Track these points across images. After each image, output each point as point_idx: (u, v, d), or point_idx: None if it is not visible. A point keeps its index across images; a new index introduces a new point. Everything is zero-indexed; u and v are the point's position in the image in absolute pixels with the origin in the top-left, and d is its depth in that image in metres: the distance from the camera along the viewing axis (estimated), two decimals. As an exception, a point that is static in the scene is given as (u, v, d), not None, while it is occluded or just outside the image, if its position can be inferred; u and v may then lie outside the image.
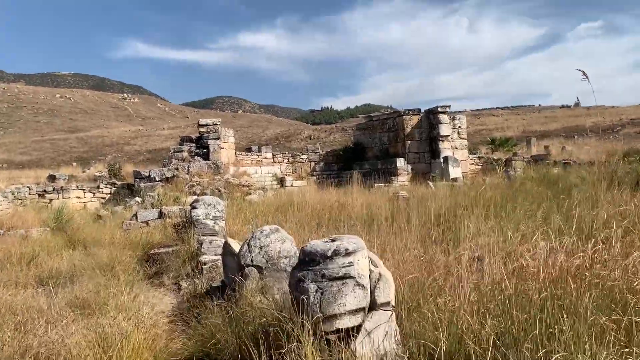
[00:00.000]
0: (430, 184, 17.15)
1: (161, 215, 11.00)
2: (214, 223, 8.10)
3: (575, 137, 51.20)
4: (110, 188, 19.45)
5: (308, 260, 2.81)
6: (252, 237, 4.64)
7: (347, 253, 2.74)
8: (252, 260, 4.46)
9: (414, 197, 14.11)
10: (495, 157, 22.89)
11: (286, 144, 60.61)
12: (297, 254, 4.57)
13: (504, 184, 13.69)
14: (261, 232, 4.65)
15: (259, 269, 4.43)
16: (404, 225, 6.89)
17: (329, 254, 2.73)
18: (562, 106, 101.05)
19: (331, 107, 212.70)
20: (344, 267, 2.72)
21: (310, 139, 64.06)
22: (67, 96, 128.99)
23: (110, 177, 21.03)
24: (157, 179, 17.50)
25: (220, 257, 7.02)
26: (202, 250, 7.14)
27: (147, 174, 17.89)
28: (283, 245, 4.52)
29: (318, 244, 2.84)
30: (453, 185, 16.47)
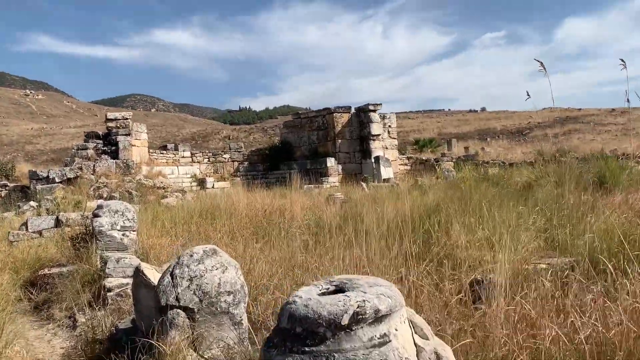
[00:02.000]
0: (364, 185, 16.21)
1: (58, 223, 9.13)
2: (123, 235, 6.50)
3: (488, 139, 53.11)
4: (1, 191, 16.82)
5: (301, 333, 1.48)
6: (178, 263, 3.23)
7: (378, 318, 1.46)
8: (178, 299, 3.05)
9: (351, 200, 13.07)
10: (424, 158, 22.44)
11: (203, 143, 58.16)
12: (245, 290, 3.21)
13: (444, 185, 12.97)
14: (191, 256, 3.25)
15: (189, 311, 3.03)
16: (365, 234, 5.71)
17: (345, 320, 1.42)
18: (470, 110, 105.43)
19: (249, 107, 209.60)
20: (374, 346, 1.43)
21: (229, 139, 62.00)
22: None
23: (1, 178, 18.31)
24: (57, 180, 15.24)
25: (130, 280, 5.48)
26: (107, 271, 5.56)
27: (45, 175, 15.56)
28: (224, 275, 3.15)
29: (320, 301, 1.51)
30: (392, 186, 15.62)
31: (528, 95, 8.70)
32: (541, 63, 8.25)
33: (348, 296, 1.48)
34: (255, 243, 6.22)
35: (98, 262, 5.98)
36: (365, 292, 1.49)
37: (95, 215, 6.52)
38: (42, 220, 8.98)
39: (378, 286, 1.55)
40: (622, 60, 7.26)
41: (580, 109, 71.54)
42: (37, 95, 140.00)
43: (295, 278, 4.47)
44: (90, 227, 6.83)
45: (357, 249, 5.18)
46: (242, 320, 3.15)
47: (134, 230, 6.64)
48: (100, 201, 12.80)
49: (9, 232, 8.97)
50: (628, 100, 7.22)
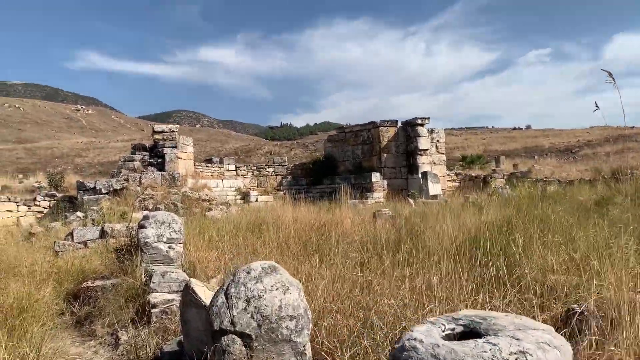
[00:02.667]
0: (411, 201, 15.63)
1: (103, 234, 8.99)
2: (169, 247, 6.20)
3: (536, 156, 51.57)
4: (49, 201, 17.04)
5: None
6: (233, 281, 2.84)
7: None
8: (233, 322, 2.65)
9: (400, 216, 12.54)
10: (473, 174, 21.63)
11: (246, 158, 58.66)
12: (309, 315, 2.78)
13: (497, 202, 12.28)
14: (248, 273, 2.85)
15: (246, 337, 2.62)
16: (428, 253, 5.22)
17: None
18: (514, 128, 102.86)
19: (290, 123, 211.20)
20: None
21: (270, 154, 62.43)
22: (17, 106, 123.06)
23: (50, 188, 18.59)
24: (104, 191, 15.30)
25: (176, 296, 5.15)
26: (152, 285, 5.24)
27: (92, 186, 15.65)
28: (285, 296, 2.73)
29: (455, 350, 1.04)
30: (441, 203, 14.99)
31: (597, 106, 8.13)
32: (609, 73, 7.67)
33: (495, 344, 1.02)
34: (307, 259, 5.80)
35: (142, 276, 5.69)
36: (519, 340, 1.03)
37: (141, 227, 6.25)
38: (87, 231, 8.85)
39: (531, 329, 1.09)
40: None
41: (632, 127, 68.81)
42: (88, 111, 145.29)
43: (356, 300, 4.03)
44: (136, 239, 6.57)
45: (419, 270, 4.71)
46: (305, 350, 2.73)
47: (180, 243, 6.33)
48: (145, 212, 12.72)
49: (54, 242, 8.88)
50: None
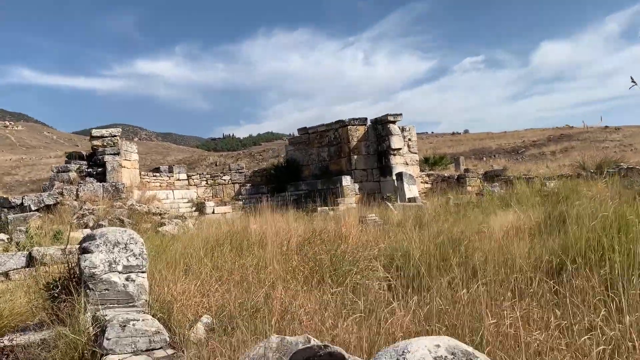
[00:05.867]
0: (389, 205, 14.08)
1: (32, 260, 6.87)
2: (127, 280, 4.26)
3: (484, 158, 51.86)
4: (-33, 222, 14.35)
5: None
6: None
7: None
8: None
9: (387, 222, 11.00)
10: (446, 175, 20.39)
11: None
12: None
13: (495, 202, 10.93)
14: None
15: None
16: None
17: None
18: (453, 133, 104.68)
19: (233, 134, 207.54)
20: None
21: (215, 165, 59.90)
22: None
23: (-32, 207, 15.82)
24: (33, 207, 12.88)
25: (147, 359, 3.27)
26: (106, 344, 3.34)
27: (18, 202, 13.20)
28: None
29: None
30: (421, 206, 13.55)
31: (633, 81, 7.02)
32: (631, 78, 7.01)
33: None
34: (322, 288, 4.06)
35: (90, 326, 3.74)
36: None
37: (84, 250, 4.29)
38: (8, 258, 6.70)
39: None
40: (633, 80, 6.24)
41: (572, 127, 70.91)
42: (17, 127, 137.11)
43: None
44: (77, 268, 4.59)
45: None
46: None
47: (143, 272, 4.40)
48: (88, 231, 10.48)
49: (-36, 275, 6.68)
50: None
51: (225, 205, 18.10)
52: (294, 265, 5.12)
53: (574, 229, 4.84)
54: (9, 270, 6.74)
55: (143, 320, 3.54)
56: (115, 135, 15.85)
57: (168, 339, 3.57)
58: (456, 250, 5.22)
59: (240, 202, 18.45)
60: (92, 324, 3.73)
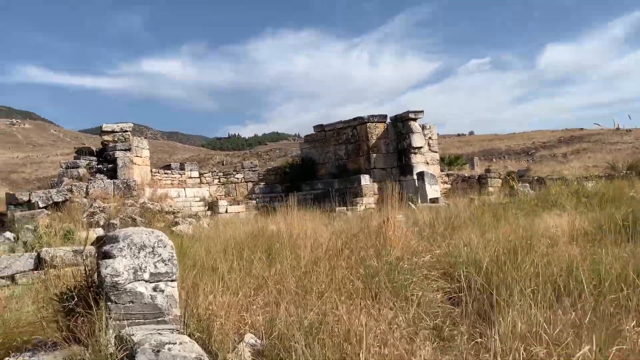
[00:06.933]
0: (412, 205, 13.41)
1: (40, 262, 6.24)
2: (155, 289, 3.60)
3: (494, 159, 51.25)
4: (-29, 220, 13.76)
5: None
6: None
7: None
8: None
9: (414, 224, 10.29)
10: (466, 175, 19.69)
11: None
12: None
13: (530, 205, 10.26)
14: None
15: None
16: None
17: None
18: (458, 134, 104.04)
19: (238, 134, 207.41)
20: None
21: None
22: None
23: (-26, 204, 15.24)
24: (41, 204, 12.28)
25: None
26: (136, 373, 2.68)
27: (25, 199, 12.60)
28: None
29: None
30: (444, 207, 12.88)
31: None
32: None
33: None
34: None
35: (113, 348, 3.09)
36: None
37: (106, 255, 3.63)
38: (14, 259, 6.07)
39: None
40: None
41: (582, 129, 70.04)
42: (24, 125, 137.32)
43: None
44: (94, 275, 3.94)
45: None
46: None
47: (172, 280, 3.74)
48: (99, 230, 9.88)
49: (-34, 278, 6.05)
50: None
51: (239, 204, 17.46)
52: (343, 274, 4.44)
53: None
54: (16, 273, 6.12)
55: (180, 343, 2.88)
56: (127, 130, 15.25)
57: (210, 367, 2.92)
58: (525, 259, 4.55)
59: (254, 202, 17.83)
60: (116, 346, 3.08)
